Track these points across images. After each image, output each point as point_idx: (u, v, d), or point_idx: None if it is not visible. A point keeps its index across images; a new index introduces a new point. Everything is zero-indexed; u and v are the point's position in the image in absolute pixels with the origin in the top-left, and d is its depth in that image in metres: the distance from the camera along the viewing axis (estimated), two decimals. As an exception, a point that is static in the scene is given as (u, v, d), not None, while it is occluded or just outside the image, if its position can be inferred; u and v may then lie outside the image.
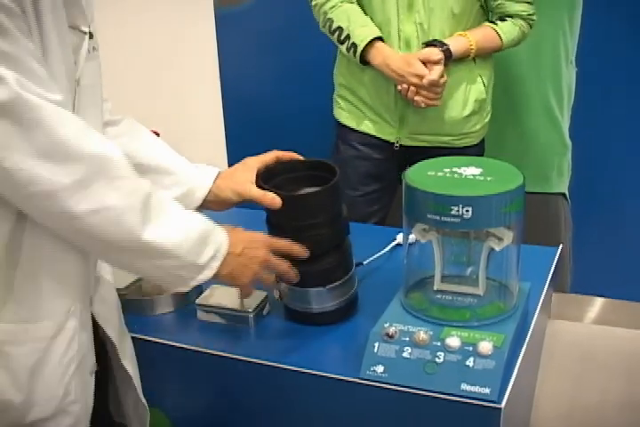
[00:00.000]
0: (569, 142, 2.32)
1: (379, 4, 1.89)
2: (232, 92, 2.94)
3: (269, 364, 1.22)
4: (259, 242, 1.16)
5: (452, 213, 1.11)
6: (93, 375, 1.12)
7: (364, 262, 1.48)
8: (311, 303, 1.29)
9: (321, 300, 1.29)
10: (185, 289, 1.13)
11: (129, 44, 2.36)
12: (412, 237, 1.25)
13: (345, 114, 2.07)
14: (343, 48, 1.93)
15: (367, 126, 2.02)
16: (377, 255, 1.53)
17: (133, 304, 1.37)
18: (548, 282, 1.44)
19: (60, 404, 1.04)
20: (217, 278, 1.11)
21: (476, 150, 2.07)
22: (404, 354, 1.16)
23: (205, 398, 1.33)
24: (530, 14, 1.95)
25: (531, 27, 1.97)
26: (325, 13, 1.94)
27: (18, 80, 0.86)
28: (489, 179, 1.16)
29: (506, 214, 1.14)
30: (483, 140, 2.08)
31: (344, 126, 2.08)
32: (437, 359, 1.14)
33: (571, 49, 2.23)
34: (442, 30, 1.88)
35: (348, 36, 1.90)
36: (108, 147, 0.95)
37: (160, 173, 1.25)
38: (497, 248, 1.20)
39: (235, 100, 2.92)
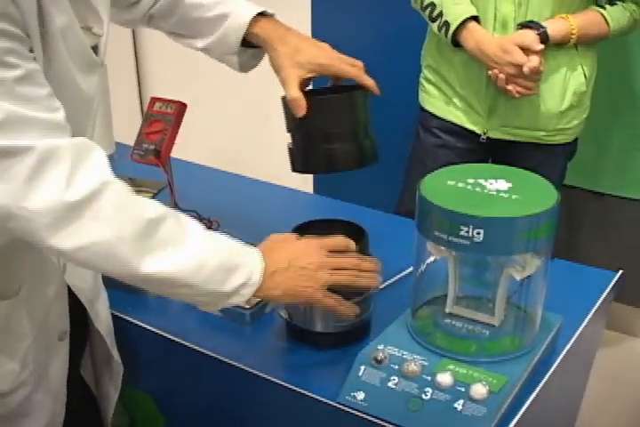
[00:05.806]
0: None
1: None
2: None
3: (250, 370, 1.12)
4: (307, 249, 1.03)
5: (461, 233, 0.95)
6: (66, 341, 1.11)
7: (380, 287, 1.23)
8: (314, 320, 1.12)
9: (326, 317, 1.12)
10: (214, 311, 1.15)
11: None
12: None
13: (429, 99, 1.89)
14: (434, 26, 1.75)
15: (453, 114, 1.84)
16: (396, 278, 1.32)
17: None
18: (589, 315, 1.23)
19: (17, 378, 1.04)
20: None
21: (569, 149, 1.88)
22: (390, 384, 1.02)
23: (188, 388, 1.25)
24: None
25: None
26: None
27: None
28: (514, 197, 0.99)
29: (528, 241, 0.97)
30: (576, 139, 1.87)
31: (426, 111, 1.90)
32: (424, 396, 1.00)
33: None
34: (542, 12, 1.68)
35: (440, 14, 1.72)
36: (97, 180, 0.86)
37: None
38: (517, 277, 1.04)
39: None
